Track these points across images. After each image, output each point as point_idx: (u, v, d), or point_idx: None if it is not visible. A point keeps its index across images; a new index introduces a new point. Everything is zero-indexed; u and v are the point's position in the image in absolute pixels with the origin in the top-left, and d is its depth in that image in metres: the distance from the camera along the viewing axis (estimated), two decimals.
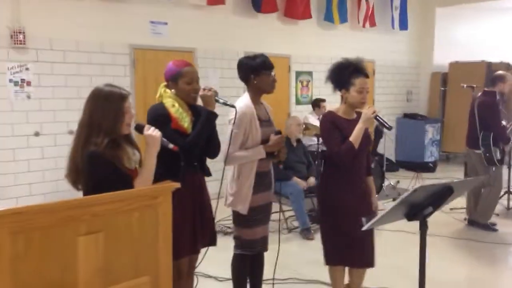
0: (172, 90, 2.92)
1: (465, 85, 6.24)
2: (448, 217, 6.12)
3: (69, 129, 5.94)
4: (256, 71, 3.17)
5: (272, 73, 3.23)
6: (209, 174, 3.07)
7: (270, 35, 8.16)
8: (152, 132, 2.45)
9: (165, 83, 3.02)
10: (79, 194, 2.31)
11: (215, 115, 2.89)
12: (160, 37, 6.94)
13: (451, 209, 6.24)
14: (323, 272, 3.70)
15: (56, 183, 5.90)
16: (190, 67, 2.96)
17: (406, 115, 10.46)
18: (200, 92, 2.90)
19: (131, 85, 6.70)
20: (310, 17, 8.49)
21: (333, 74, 3.23)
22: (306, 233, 5.53)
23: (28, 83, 5.87)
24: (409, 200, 2.07)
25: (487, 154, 5.30)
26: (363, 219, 3.11)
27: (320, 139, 5.81)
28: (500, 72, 5.89)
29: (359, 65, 3.22)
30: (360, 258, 3.26)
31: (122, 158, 2.35)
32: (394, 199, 7.19)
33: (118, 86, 2.48)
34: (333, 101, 4.20)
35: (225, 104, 3.04)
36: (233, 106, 3.14)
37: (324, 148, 3.78)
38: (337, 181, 3.18)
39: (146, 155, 2.42)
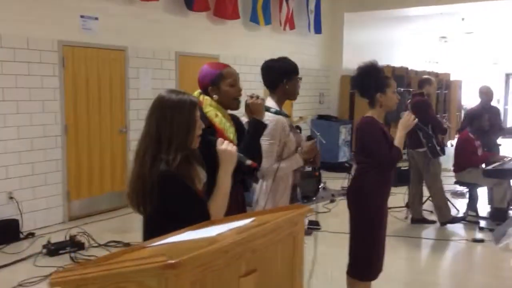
0: (214, 96, 2.57)
1: (401, 89, 6.62)
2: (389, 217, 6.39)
3: None
4: (289, 74, 2.96)
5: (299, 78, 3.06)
6: (247, 189, 2.79)
7: (200, 35, 7.86)
8: (228, 146, 2.12)
9: (199, 91, 2.66)
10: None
11: (264, 126, 2.61)
12: (90, 33, 6.30)
13: (389, 208, 6.51)
14: None
15: None
16: (230, 68, 2.66)
17: (320, 117, 10.78)
18: (248, 100, 2.61)
19: (60, 86, 5.99)
20: (239, 17, 8.36)
21: (367, 79, 3.15)
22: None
23: None
24: None
25: (430, 145, 5.66)
26: None
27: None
28: (426, 76, 6.61)
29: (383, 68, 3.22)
30: (382, 263, 3.25)
31: (194, 178, 2.02)
32: (332, 201, 7.34)
33: (183, 91, 2.13)
34: None
35: (277, 113, 2.78)
36: (286, 115, 2.90)
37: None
38: (378, 190, 3.12)
39: (222, 174, 2.08)
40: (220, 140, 2.14)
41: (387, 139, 3.09)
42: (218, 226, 1.76)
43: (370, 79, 3.14)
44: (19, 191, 5.66)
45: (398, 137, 3.10)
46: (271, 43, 9.28)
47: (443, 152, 5.87)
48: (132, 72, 6.86)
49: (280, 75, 2.96)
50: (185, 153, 1.98)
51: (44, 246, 4.99)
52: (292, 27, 9.60)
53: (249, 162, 2.21)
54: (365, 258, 3.09)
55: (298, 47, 9.86)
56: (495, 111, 6.59)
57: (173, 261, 1.16)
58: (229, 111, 2.65)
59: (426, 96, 6.06)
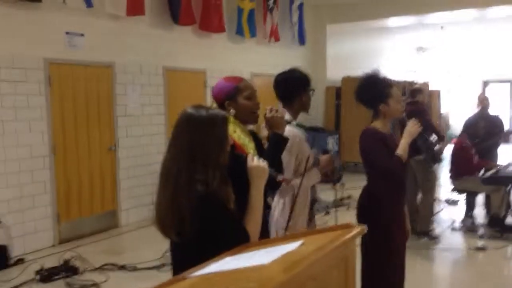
0: (231, 111, 2.45)
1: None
2: None
3: None
4: (305, 86, 2.88)
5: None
6: (269, 207, 2.67)
7: (186, 49, 7.75)
8: (260, 162, 2.01)
9: (215, 105, 2.54)
10: None
11: (286, 140, 2.51)
12: (76, 50, 6.12)
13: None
14: None
15: None
16: (246, 81, 2.55)
17: (309, 128, 10.71)
18: (268, 114, 2.51)
19: (46, 105, 5.79)
20: (224, 30, 8.28)
21: (368, 91, 3.06)
22: None
23: None
24: None
25: (429, 151, 5.58)
26: None
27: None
28: (417, 85, 6.54)
29: (386, 76, 3.13)
30: (403, 283, 3.14)
31: (230, 198, 1.90)
32: (327, 213, 7.25)
33: (207, 106, 2.02)
34: None
35: (300, 126, 2.68)
36: (307, 129, 2.79)
37: None
38: (387, 202, 3.01)
39: (255, 191, 1.97)
40: (250, 156, 2.04)
41: (388, 149, 3.00)
42: (260, 251, 1.64)
43: (371, 91, 3.06)
44: (7, 215, 5.41)
45: (401, 145, 3.01)
46: (257, 56, 9.24)
47: (440, 160, 5.83)
48: (119, 88, 6.69)
49: (298, 87, 2.87)
50: (221, 170, 1.87)
51: (37, 272, 4.76)
52: (277, 39, 9.57)
53: (280, 177, 2.13)
54: (381, 277, 2.96)
55: (283, 58, 9.80)
56: (492, 119, 6.59)
57: None
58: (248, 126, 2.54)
59: (420, 105, 6.02)
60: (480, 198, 6.59)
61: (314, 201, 3.01)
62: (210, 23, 7.94)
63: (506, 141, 6.76)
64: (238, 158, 2.02)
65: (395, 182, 3.01)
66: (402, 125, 3.67)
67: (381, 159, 2.97)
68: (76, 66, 6.13)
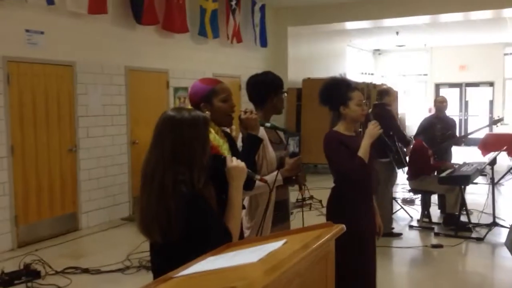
0: (207, 113, 2.48)
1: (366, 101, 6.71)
2: None
3: None
4: (277, 89, 2.93)
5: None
6: (243, 207, 2.72)
7: (149, 49, 7.69)
8: (238, 163, 2.06)
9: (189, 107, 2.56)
10: None
11: (260, 140, 2.56)
12: (36, 48, 5.98)
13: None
14: None
15: None
16: (223, 84, 2.58)
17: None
18: (242, 115, 2.55)
19: (5, 104, 5.63)
20: (187, 31, 8.26)
21: (329, 93, 3.15)
22: None
23: None
24: None
25: (396, 157, 5.74)
26: None
27: None
28: (384, 87, 6.64)
29: (350, 80, 3.23)
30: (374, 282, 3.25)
31: (212, 198, 1.94)
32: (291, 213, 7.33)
33: (188, 108, 2.05)
34: None
35: (274, 128, 2.73)
36: (284, 131, 2.85)
37: None
38: (353, 202, 3.10)
39: (234, 191, 2.01)
40: (229, 157, 2.09)
41: (351, 150, 3.09)
42: (244, 251, 1.69)
43: (332, 94, 3.15)
44: None
45: (363, 146, 3.07)
46: (219, 57, 9.27)
47: (407, 163, 6.00)
48: (80, 88, 6.57)
49: (268, 90, 2.93)
50: (205, 171, 1.90)
51: None
52: (239, 40, 9.62)
53: (258, 177, 2.19)
54: (350, 275, 3.02)
55: (245, 60, 9.90)
56: (448, 121, 6.81)
57: None
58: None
59: (387, 107, 6.08)
60: (434, 197, 6.85)
61: (286, 200, 3.05)
62: (173, 23, 7.90)
63: (457, 144, 6.96)
64: (216, 159, 2.06)
65: (359, 182, 3.11)
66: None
67: (342, 162, 3.06)
68: (36, 64, 5.98)
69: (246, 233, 2.89)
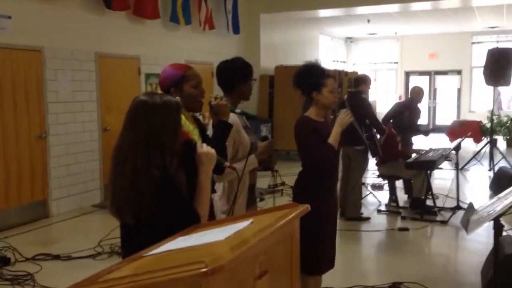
0: (177, 98, 2.52)
1: (350, 90, 6.75)
2: None
3: None
4: (245, 76, 2.98)
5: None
6: (214, 191, 2.76)
7: (120, 35, 7.62)
8: (207, 149, 2.11)
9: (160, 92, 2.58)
10: None
11: (230, 127, 2.61)
12: (4, 33, 5.86)
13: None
14: None
15: None
16: (194, 70, 2.61)
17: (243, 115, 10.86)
18: (212, 102, 2.59)
19: None
20: (159, 17, 8.20)
21: (303, 78, 3.21)
22: None
23: None
24: None
25: (372, 146, 5.85)
26: None
27: None
28: (361, 74, 6.67)
29: (324, 67, 3.29)
30: (333, 259, 3.36)
31: (183, 182, 1.99)
32: (262, 199, 7.43)
33: (159, 93, 2.08)
34: None
35: (243, 114, 2.78)
36: (253, 117, 2.89)
37: None
38: (319, 186, 3.19)
39: (204, 176, 2.07)
40: (199, 143, 2.14)
41: (321, 137, 3.17)
42: (213, 231, 1.74)
43: (306, 78, 3.21)
44: None
45: (333, 134, 3.16)
46: (192, 43, 9.24)
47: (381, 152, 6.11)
48: (50, 73, 6.47)
49: (237, 77, 2.97)
50: (177, 156, 1.95)
51: None
52: (211, 27, 9.60)
53: (227, 163, 2.25)
54: (313, 253, 3.12)
55: (218, 47, 9.88)
56: (416, 110, 6.94)
57: (214, 266, 1.14)
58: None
59: (363, 95, 6.16)
60: (400, 182, 7.01)
61: (253, 186, 3.12)
62: (144, 9, 7.83)
63: (425, 135, 7.07)
64: (187, 144, 2.10)
65: (327, 168, 3.20)
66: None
67: (312, 148, 3.14)
68: (2, 49, 5.86)
69: (222, 217, 2.95)
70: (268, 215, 1.75)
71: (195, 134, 2.54)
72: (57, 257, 5.00)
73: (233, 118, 2.87)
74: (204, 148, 2.10)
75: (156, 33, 8.38)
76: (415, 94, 6.84)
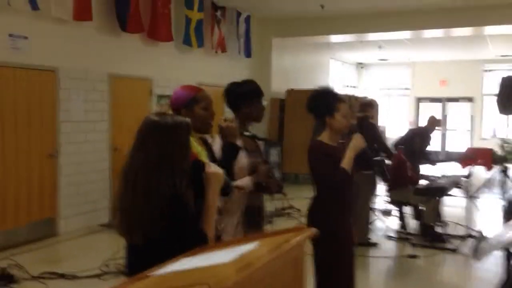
0: (187, 119, 2.54)
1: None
2: None
3: None
4: (249, 98, 2.99)
5: (263, 101, 3.09)
6: (221, 213, 2.76)
7: (133, 56, 7.73)
8: (216, 169, 2.13)
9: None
10: None
11: (238, 149, 2.62)
12: (19, 53, 5.97)
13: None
14: None
15: None
16: (205, 92, 2.65)
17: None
18: (222, 123, 2.61)
19: None
20: (172, 39, 8.32)
21: (316, 102, 3.22)
22: None
23: None
24: None
25: (380, 170, 5.81)
26: None
27: None
28: (368, 99, 6.70)
29: (338, 92, 3.31)
30: None
31: (192, 201, 2.00)
32: (269, 222, 7.38)
33: (170, 113, 2.11)
34: None
35: (253, 137, 2.79)
36: (264, 140, 2.90)
37: None
38: (333, 211, 3.16)
39: (212, 196, 2.08)
40: (208, 162, 2.15)
41: (335, 161, 3.15)
42: (217, 253, 1.74)
43: (319, 102, 3.22)
44: None
45: (346, 158, 3.13)
46: (204, 66, 9.33)
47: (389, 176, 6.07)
48: (63, 93, 6.56)
49: (242, 98, 2.99)
50: (186, 176, 1.96)
51: None
52: (223, 50, 9.71)
53: (233, 183, 2.24)
54: (330, 281, 3.10)
55: (229, 70, 9.97)
56: (428, 138, 6.90)
57: None
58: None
59: (370, 119, 6.14)
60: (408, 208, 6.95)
61: (259, 208, 3.08)
62: (158, 31, 7.95)
63: (432, 164, 7.08)
64: (195, 164, 2.11)
65: (340, 192, 3.18)
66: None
67: (325, 172, 3.13)
68: (19, 69, 5.97)
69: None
70: (275, 238, 1.74)
71: (203, 155, 2.56)
72: (62, 276, 4.99)
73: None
74: (213, 168, 2.11)
75: (169, 55, 8.50)
76: (430, 124, 6.88)
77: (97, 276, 5.01)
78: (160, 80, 8.31)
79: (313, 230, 1.70)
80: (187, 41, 8.71)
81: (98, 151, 7.12)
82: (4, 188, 5.85)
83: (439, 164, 7.51)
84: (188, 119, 2.09)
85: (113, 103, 7.34)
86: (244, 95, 3.00)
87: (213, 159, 2.58)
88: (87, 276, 4.98)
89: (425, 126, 6.92)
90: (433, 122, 6.84)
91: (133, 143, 2.02)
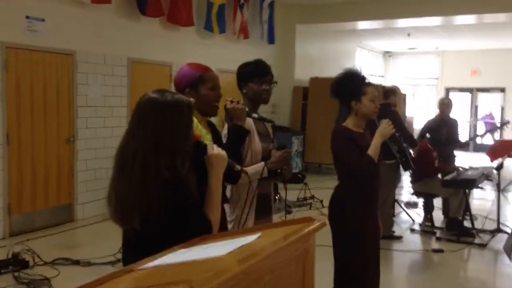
0: (191, 100, 2.35)
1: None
2: None
3: None
4: (247, 78, 2.78)
5: (269, 81, 2.86)
6: (227, 201, 2.58)
7: (153, 41, 7.58)
8: (218, 151, 1.94)
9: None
10: None
11: (247, 132, 2.43)
12: (36, 35, 5.88)
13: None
14: None
15: None
16: (212, 71, 2.46)
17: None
18: (228, 105, 2.42)
19: (2, 91, 5.54)
20: (193, 24, 8.14)
21: (342, 85, 3.01)
22: None
23: None
24: None
25: (403, 159, 5.53)
26: None
27: None
28: (390, 86, 6.41)
29: (365, 75, 3.08)
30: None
31: (194, 186, 1.81)
32: (289, 212, 7.20)
33: (171, 90, 1.92)
34: None
35: (261, 119, 2.60)
36: (271, 122, 2.71)
37: None
38: (357, 202, 2.95)
39: (215, 179, 1.89)
40: (210, 144, 1.96)
41: (360, 149, 2.94)
42: (216, 244, 1.56)
43: (345, 86, 3.01)
44: None
45: (373, 145, 2.94)
46: (225, 52, 9.13)
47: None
48: (81, 77, 6.47)
49: (240, 79, 2.81)
50: (188, 159, 1.78)
51: None
52: (246, 36, 9.49)
53: (238, 167, 2.09)
54: (353, 281, 2.90)
55: (252, 56, 9.60)
56: (453, 123, 6.62)
57: None
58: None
59: (393, 107, 5.89)
60: (438, 201, 6.68)
61: (267, 195, 2.88)
62: (178, 16, 7.79)
63: (462, 146, 6.78)
64: (197, 146, 1.93)
65: (365, 181, 2.97)
66: (370, 127, 3.53)
67: (351, 159, 2.92)
68: (35, 52, 5.88)
69: (229, 227, 2.75)
70: (279, 229, 1.55)
71: (207, 139, 2.37)
72: (76, 263, 4.92)
73: (248, 122, 2.68)
74: (215, 150, 1.92)
75: (190, 41, 8.33)
76: (444, 106, 6.53)
77: (111, 263, 4.91)
78: (180, 65, 8.14)
79: (322, 221, 1.49)
80: (208, 27, 8.53)
81: (116, 137, 6.92)
82: (21, 172, 5.80)
83: (471, 151, 7.19)
84: (189, 98, 1.90)
85: (132, 88, 7.23)
86: (243, 75, 2.81)
87: (219, 144, 2.39)
88: (101, 263, 4.89)
89: (440, 110, 6.58)
90: (447, 104, 6.52)
91: (130, 122, 1.85)
